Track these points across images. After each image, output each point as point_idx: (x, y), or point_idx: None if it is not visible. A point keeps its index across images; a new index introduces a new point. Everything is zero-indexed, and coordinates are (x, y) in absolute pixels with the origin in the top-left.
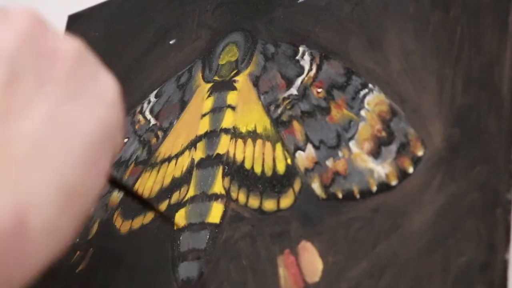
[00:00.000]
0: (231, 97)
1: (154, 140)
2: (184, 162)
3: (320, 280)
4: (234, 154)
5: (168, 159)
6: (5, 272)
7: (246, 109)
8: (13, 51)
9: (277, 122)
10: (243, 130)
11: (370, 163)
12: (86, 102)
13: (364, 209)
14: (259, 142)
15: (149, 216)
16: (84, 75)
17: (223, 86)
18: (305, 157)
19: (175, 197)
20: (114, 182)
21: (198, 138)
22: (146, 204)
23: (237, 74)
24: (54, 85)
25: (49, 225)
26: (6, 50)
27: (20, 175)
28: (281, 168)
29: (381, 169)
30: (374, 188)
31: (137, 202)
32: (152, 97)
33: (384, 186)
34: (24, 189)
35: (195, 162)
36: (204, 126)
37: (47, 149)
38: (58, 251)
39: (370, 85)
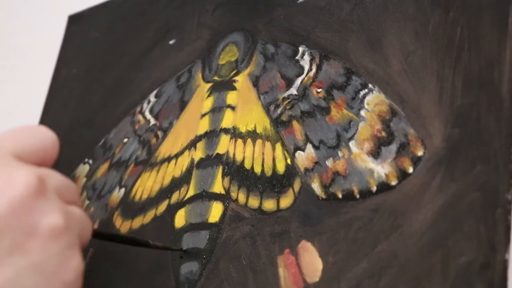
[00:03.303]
0: (231, 97)
1: (154, 140)
2: (184, 162)
3: (320, 280)
4: (234, 154)
5: (168, 159)
6: None
7: (246, 109)
8: (0, 216)
9: (276, 122)
10: (243, 130)
11: (370, 163)
12: (45, 279)
13: (364, 209)
14: (259, 142)
15: (149, 216)
16: (53, 253)
17: (223, 86)
18: (305, 157)
19: (175, 197)
20: (99, 236)
21: (198, 138)
22: (141, 243)
23: (237, 74)
24: (22, 256)
25: None
26: None
27: None
28: (281, 168)
29: (381, 169)
30: (374, 188)
31: (131, 245)
32: (152, 97)
33: (384, 186)
34: None
35: (195, 162)
36: (203, 126)
37: None
38: None
39: (370, 85)
